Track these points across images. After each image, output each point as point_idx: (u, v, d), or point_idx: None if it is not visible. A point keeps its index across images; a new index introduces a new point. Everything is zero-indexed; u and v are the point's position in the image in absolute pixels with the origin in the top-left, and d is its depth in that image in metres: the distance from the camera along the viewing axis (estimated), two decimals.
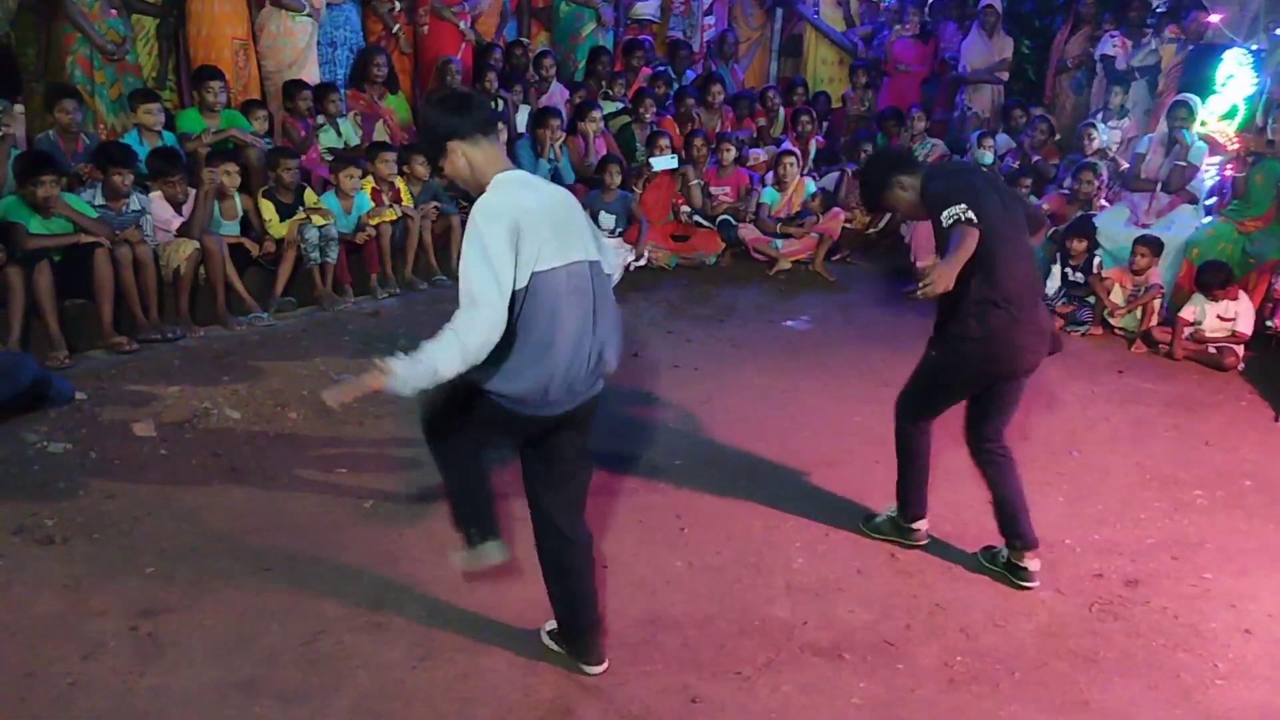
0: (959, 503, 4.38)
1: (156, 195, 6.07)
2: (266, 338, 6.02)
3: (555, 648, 3.37)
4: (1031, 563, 3.90)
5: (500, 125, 7.48)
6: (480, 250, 2.76)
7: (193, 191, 6.13)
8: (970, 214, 3.45)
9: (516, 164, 3.03)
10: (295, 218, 6.43)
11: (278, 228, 6.43)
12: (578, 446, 3.16)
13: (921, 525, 4.11)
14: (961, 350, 3.72)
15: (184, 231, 6.04)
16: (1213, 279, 6.35)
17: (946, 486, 4.46)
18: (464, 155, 2.95)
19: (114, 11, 6.62)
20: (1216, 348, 6.32)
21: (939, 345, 3.82)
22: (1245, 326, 6.32)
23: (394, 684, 3.22)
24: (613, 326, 3.04)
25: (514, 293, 2.79)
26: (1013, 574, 3.91)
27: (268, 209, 6.45)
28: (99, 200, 5.83)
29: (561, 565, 3.22)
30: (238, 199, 6.40)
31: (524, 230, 2.80)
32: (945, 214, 3.49)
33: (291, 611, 3.54)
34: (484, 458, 3.36)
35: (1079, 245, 6.92)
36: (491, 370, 2.87)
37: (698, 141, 8.25)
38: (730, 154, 8.25)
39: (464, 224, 3.18)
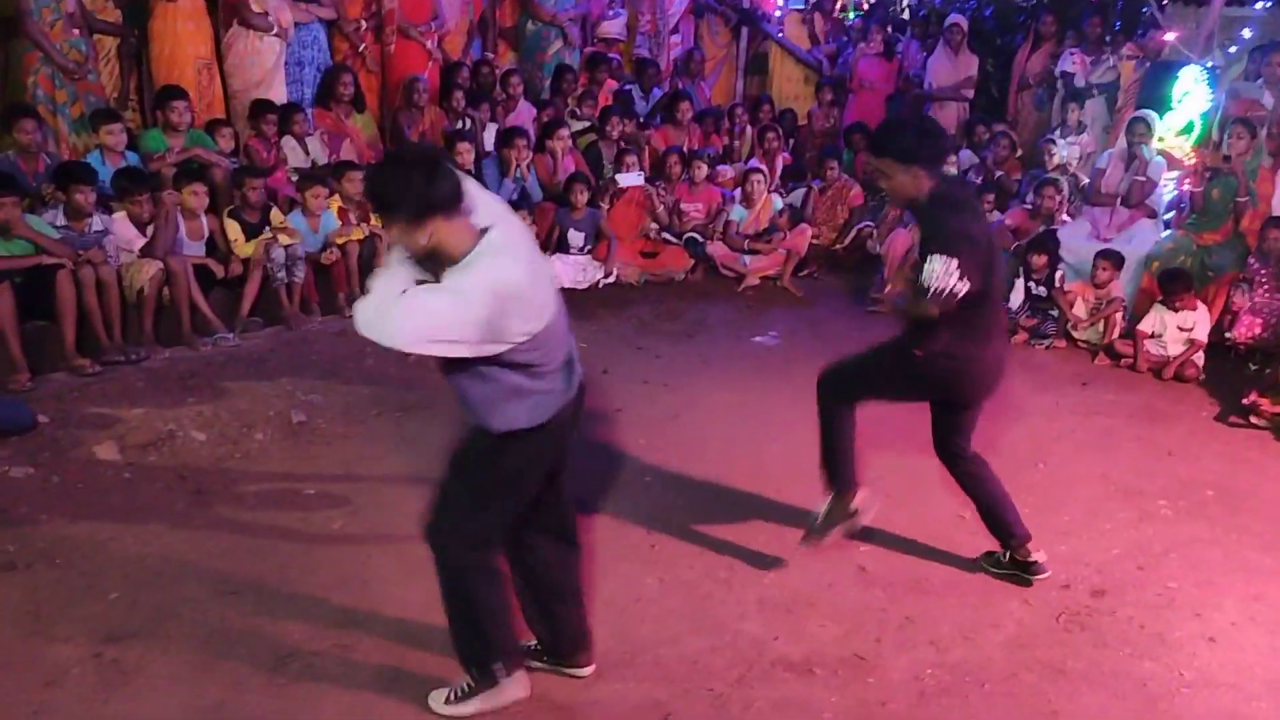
0: (928, 515, 4.42)
1: (120, 216, 6.01)
2: (232, 358, 5.96)
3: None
4: (1038, 555, 3.97)
5: (468, 146, 7.54)
6: (462, 304, 2.61)
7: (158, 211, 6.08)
8: (962, 288, 3.39)
9: (483, 183, 2.90)
10: (261, 237, 6.39)
11: (244, 247, 6.38)
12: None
13: (862, 495, 3.95)
14: (937, 368, 3.68)
15: (147, 252, 5.98)
16: (1174, 286, 6.44)
17: (915, 499, 4.50)
18: (436, 232, 2.63)
19: (76, 31, 6.55)
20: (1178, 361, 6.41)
21: (920, 351, 3.66)
22: (1202, 334, 6.41)
23: (363, 706, 3.20)
24: None
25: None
26: (1024, 570, 3.98)
27: (233, 229, 6.40)
28: (61, 221, 5.76)
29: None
30: (204, 219, 6.35)
31: (512, 314, 2.66)
32: (942, 271, 3.36)
33: (258, 635, 3.51)
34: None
35: (1041, 260, 7.00)
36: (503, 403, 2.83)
37: (672, 158, 8.30)
38: (702, 171, 8.30)
39: None
